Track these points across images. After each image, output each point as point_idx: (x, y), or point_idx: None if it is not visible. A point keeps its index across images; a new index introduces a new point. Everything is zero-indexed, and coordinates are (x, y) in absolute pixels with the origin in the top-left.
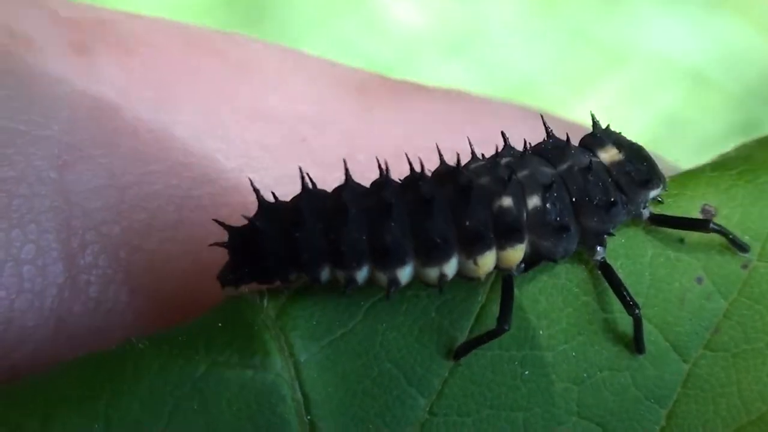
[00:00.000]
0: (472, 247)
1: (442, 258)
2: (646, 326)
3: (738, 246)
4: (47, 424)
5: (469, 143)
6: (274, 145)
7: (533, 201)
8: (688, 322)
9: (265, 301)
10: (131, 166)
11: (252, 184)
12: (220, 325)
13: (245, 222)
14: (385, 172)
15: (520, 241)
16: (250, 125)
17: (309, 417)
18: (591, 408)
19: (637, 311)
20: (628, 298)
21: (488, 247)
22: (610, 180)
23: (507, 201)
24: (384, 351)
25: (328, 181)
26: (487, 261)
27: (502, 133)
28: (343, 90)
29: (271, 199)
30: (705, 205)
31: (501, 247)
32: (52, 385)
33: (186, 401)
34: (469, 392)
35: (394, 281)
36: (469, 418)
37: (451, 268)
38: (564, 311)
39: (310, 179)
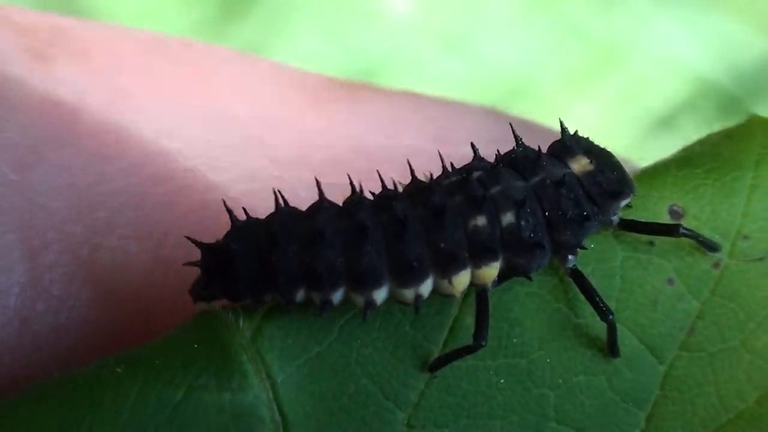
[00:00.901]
0: (447, 267)
1: (418, 279)
2: (620, 329)
3: (708, 247)
4: None
5: (441, 157)
6: (232, 145)
7: (507, 218)
8: (662, 324)
9: (241, 321)
10: (91, 167)
11: (225, 204)
12: (195, 346)
13: (218, 238)
14: (358, 190)
15: (495, 259)
16: (209, 126)
17: None
18: (568, 413)
19: (610, 317)
20: (600, 305)
21: (463, 267)
22: (582, 192)
23: (481, 220)
24: (360, 367)
25: (285, 178)
26: (462, 280)
27: (472, 145)
28: (300, 92)
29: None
30: (673, 205)
31: (476, 266)
32: (30, 410)
33: (165, 428)
34: (445, 403)
35: (370, 303)
36: (446, 428)
37: (426, 288)
38: (537, 318)
39: (283, 198)
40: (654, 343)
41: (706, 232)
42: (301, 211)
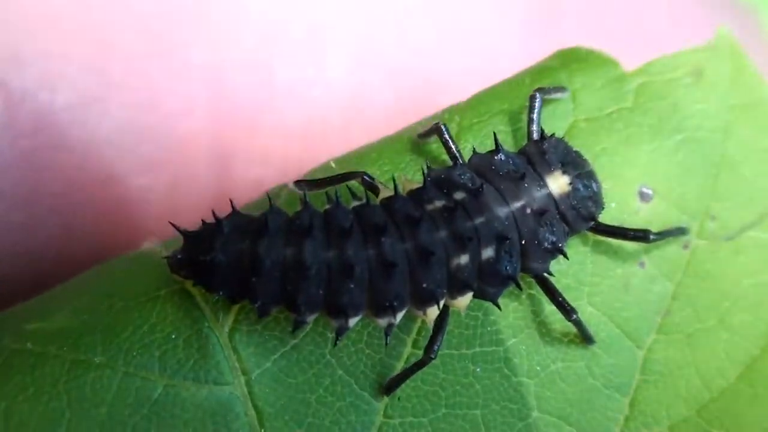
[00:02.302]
0: (426, 302)
1: (394, 312)
2: (594, 315)
3: (678, 234)
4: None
5: (423, 171)
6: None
7: (487, 253)
8: (636, 306)
9: (220, 316)
10: None
11: (214, 214)
12: (173, 337)
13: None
14: (346, 210)
15: (471, 290)
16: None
17: (263, 430)
18: (549, 401)
19: (574, 316)
20: (564, 305)
21: (441, 299)
22: (558, 216)
23: (464, 259)
24: (335, 359)
25: None
26: (436, 310)
27: (453, 156)
28: None
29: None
30: (642, 186)
31: (452, 296)
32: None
33: (144, 424)
34: (422, 393)
35: (343, 328)
36: (425, 418)
37: (400, 317)
38: (509, 306)
39: (271, 203)
40: (629, 327)
41: (674, 213)
42: (289, 226)
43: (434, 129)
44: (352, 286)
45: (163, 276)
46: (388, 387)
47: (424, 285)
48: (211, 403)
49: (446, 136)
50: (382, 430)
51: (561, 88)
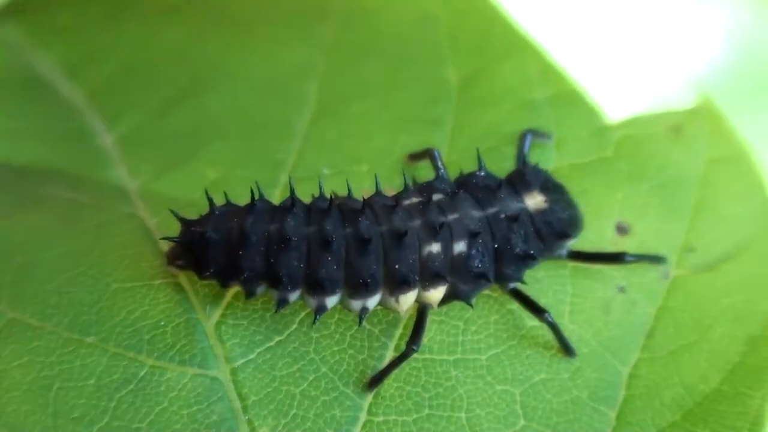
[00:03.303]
0: (398, 287)
1: (368, 293)
2: (576, 332)
3: (655, 261)
4: None
5: (405, 181)
6: None
7: (459, 247)
8: (618, 327)
9: (207, 309)
10: None
11: (207, 193)
12: (162, 324)
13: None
14: (328, 199)
15: (443, 283)
16: None
17: (247, 417)
18: (536, 410)
19: (545, 314)
20: (535, 306)
21: (412, 288)
22: (532, 229)
23: (436, 247)
24: (318, 357)
25: None
26: (408, 299)
27: (435, 165)
28: None
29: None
30: (619, 222)
31: (424, 288)
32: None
33: (129, 397)
34: (404, 393)
35: (321, 307)
36: (409, 417)
37: (373, 302)
38: (490, 318)
39: (260, 191)
40: (613, 346)
41: (652, 245)
42: (274, 208)
43: (426, 153)
44: (329, 258)
45: (159, 267)
46: (372, 382)
47: (397, 267)
48: (195, 385)
49: (438, 162)
50: (367, 426)
51: (546, 135)
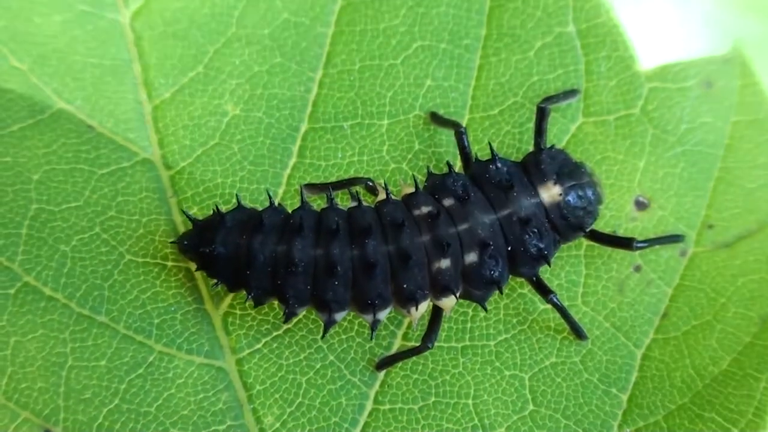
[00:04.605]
0: (408, 302)
1: (378, 309)
2: (588, 314)
3: (671, 242)
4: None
5: (414, 178)
6: None
7: (470, 257)
8: (631, 308)
9: (215, 300)
10: None
11: (217, 208)
12: (172, 309)
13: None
14: (339, 222)
15: (455, 293)
16: None
17: (252, 406)
18: (545, 395)
19: (550, 296)
20: (543, 286)
21: (422, 301)
22: (547, 224)
23: (445, 263)
24: (326, 345)
25: None
26: (420, 309)
27: (448, 163)
28: None
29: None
30: (638, 196)
31: (436, 298)
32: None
33: (139, 381)
34: (411, 381)
35: (331, 321)
36: (415, 405)
37: (384, 314)
38: (500, 303)
39: (270, 199)
40: (625, 327)
41: (671, 222)
42: (283, 225)
43: (453, 126)
44: (336, 283)
45: (173, 247)
46: (381, 364)
47: (405, 286)
48: (201, 373)
49: (465, 141)
50: (373, 414)
51: (572, 93)
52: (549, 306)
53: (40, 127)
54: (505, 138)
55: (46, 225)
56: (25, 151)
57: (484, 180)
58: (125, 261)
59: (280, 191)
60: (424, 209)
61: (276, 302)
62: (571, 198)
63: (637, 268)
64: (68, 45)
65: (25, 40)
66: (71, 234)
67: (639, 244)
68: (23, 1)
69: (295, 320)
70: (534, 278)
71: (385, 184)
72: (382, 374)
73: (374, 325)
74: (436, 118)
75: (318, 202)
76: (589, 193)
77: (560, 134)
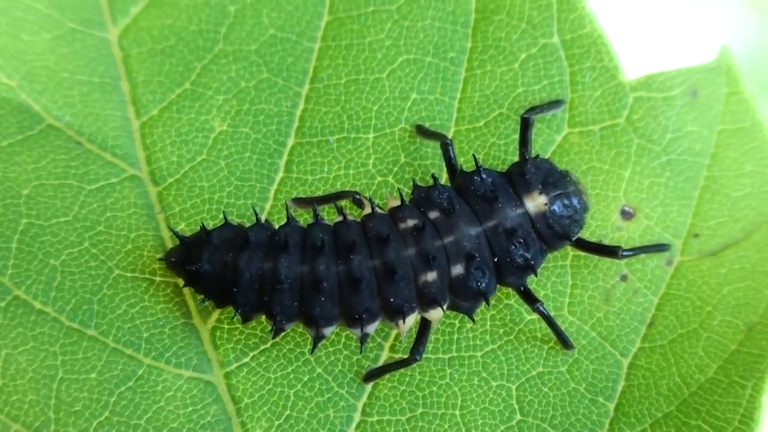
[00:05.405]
0: (395, 316)
1: (366, 323)
2: (574, 324)
3: (657, 251)
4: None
5: (399, 191)
6: None
7: (457, 270)
8: (618, 317)
9: (203, 315)
10: None
11: (203, 227)
12: (161, 324)
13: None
14: (324, 238)
15: (442, 306)
16: None
17: (240, 419)
18: (533, 405)
19: (537, 305)
20: (529, 295)
21: (410, 314)
22: (533, 234)
23: (431, 276)
24: (313, 358)
25: None
26: (408, 322)
27: (433, 176)
28: None
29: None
30: (624, 206)
31: (423, 310)
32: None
33: (129, 394)
34: (398, 392)
35: (319, 337)
36: (403, 417)
37: (373, 327)
38: (487, 314)
39: (257, 218)
40: (612, 336)
41: (656, 231)
42: (269, 242)
43: (439, 138)
44: (322, 299)
45: (160, 263)
46: (368, 376)
47: (392, 299)
48: (190, 387)
49: (450, 153)
50: (361, 426)
51: (557, 103)
52: (536, 316)
53: (30, 142)
54: (491, 150)
55: (35, 239)
56: (15, 166)
57: (469, 192)
58: (114, 276)
59: (267, 206)
60: (410, 222)
61: (264, 317)
62: (556, 207)
63: (624, 278)
64: (57, 62)
65: (15, 57)
66: (61, 248)
67: (625, 253)
68: (13, 19)
69: (282, 334)
70: (521, 288)
71: (370, 198)
72: (369, 386)
73: (363, 338)
74: (422, 131)
75: (305, 217)
76: (575, 201)
77: (546, 145)
